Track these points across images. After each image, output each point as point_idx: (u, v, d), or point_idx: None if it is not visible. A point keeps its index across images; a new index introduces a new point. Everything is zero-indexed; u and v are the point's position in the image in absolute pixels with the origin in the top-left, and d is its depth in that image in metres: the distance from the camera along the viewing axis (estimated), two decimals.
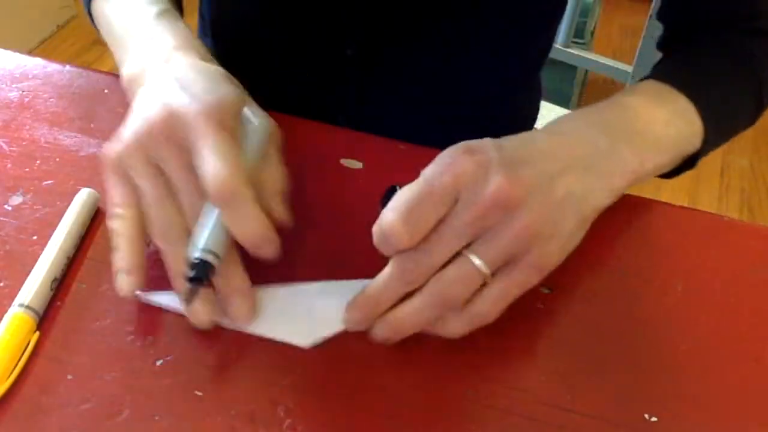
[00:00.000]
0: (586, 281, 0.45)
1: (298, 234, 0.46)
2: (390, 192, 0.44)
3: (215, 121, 0.39)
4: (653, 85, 0.51)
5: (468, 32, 0.59)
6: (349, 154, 0.52)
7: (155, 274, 0.43)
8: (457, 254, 0.38)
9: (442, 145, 0.49)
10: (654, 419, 0.38)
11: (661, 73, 0.52)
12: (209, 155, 0.37)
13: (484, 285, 0.38)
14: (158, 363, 0.39)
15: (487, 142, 0.40)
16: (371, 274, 0.44)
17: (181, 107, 0.39)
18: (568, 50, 1.79)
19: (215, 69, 0.44)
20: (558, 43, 1.79)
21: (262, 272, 0.44)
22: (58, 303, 0.42)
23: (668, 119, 0.48)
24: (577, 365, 0.40)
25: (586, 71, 1.97)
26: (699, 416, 0.38)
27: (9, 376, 0.38)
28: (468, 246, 0.38)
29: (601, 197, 0.43)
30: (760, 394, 0.40)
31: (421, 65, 0.60)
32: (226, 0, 0.65)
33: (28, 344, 0.39)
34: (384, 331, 0.40)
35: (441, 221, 0.38)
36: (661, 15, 0.61)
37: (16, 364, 0.38)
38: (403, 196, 0.38)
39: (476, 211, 0.37)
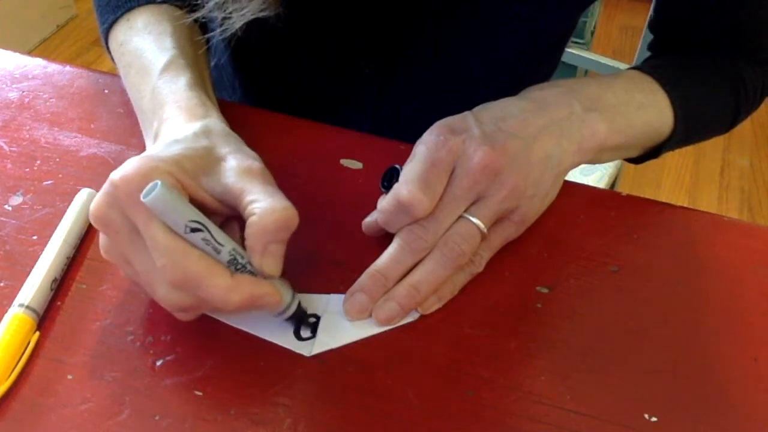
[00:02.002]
0: (586, 281, 0.45)
1: (297, 234, 0.46)
2: (390, 172, 0.46)
3: (136, 194, 0.36)
4: (636, 73, 0.54)
5: (484, 50, 0.59)
6: (349, 154, 0.52)
7: None
8: (457, 219, 0.43)
9: None
10: (654, 419, 0.38)
11: (647, 65, 0.55)
12: (150, 248, 0.36)
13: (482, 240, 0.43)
14: (158, 363, 0.39)
15: (468, 120, 0.45)
16: None
17: (111, 187, 0.37)
18: (568, 50, 1.79)
19: (184, 137, 0.41)
20: None
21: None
22: (58, 303, 0.42)
23: (642, 104, 0.51)
24: (576, 365, 0.40)
25: (586, 71, 1.97)
26: (699, 416, 0.38)
27: (9, 376, 0.38)
28: (465, 211, 0.43)
29: (572, 158, 0.47)
30: (760, 394, 0.40)
31: (436, 81, 0.61)
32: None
33: (28, 344, 0.39)
34: (399, 300, 0.42)
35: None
36: (653, 28, 0.62)
37: (16, 364, 0.38)
38: (411, 171, 0.43)
39: (470, 179, 0.42)
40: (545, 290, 0.44)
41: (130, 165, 0.37)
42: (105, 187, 0.37)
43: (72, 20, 2.27)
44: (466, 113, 0.46)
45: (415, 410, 0.38)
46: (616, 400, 0.39)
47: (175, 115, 0.44)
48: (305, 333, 0.41)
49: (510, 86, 0.53)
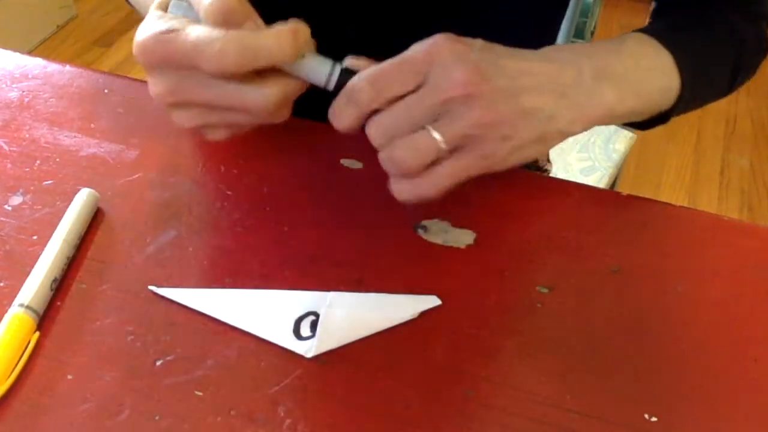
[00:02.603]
0: (585, 281, 0.45)
1: (298, 234, 0.46)
2: (338, 72, 0.43)
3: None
4: (643, 37, 0.53)
5: (469, 19, 0.59)
6: (349, 154, 0.52)
7: (165, 272, 0.44)
8: (419, 128, 0.40)
9: None
10: (654, 419, 0.38)
11: (650, 29, 0.54)
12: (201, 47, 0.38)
13: (436, 162, 0.41)
14: (158, 363, 0.39)
15: (478, 40, 0.43)
16: (371, 273, 0.44)
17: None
18: None
19: None
20: (558, 43, 1.79)
21: (261, 272, 0.44)
22: (58, 303, 0.42)
23: (651, 69, 0.50)
24: (577, 365, 0.40)
25: None
26: (699, 416, 0.38)
27: (9, 376, 0.38)
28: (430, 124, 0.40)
29: (570, 124, 0.45)
30: (760, 394, 0.40)
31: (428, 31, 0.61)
32: None
33: (28, 344, 0.39)
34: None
35: (404, 97, 0.40)
36: None
37: (16, 364, 0.38)
38: (376, 65, 0.41)
39: (441, 94, 0.40)
40: (545, 290, 0.44)
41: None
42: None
43: (72, 20, 2.27)
44: (478, 39, 0.44)
45: (415, 410, 0.38)
46: (616, 400, 0.39)
47: None
48: (305, 331, 0.41)
49: None
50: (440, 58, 0.40)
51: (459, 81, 0.40)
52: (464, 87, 0.40)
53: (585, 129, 0.46)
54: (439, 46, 0.41)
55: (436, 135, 0.40)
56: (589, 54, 0.47)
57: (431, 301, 0.43)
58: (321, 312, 0.42)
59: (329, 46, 0.61)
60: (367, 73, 0.41)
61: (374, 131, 0.41)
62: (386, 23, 0.59)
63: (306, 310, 0.42)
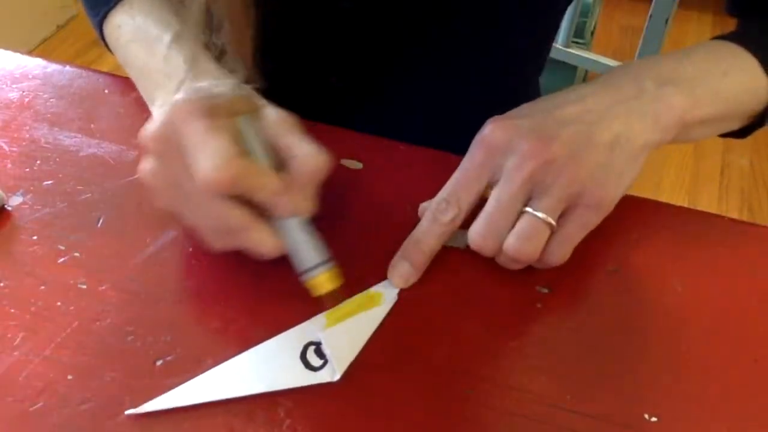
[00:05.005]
0: (586, 281, 0.45)
1: None
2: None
3: (195, 113, 0.39)
4: (716, 42, 0.50)
5: (459, 52, 0.59)
6: (349, 154, 0.52)
7: (165, 272, 0.44)
8: (520, 214, 0.42)
9: (441, 149, 0.49)
10: (654, 419, 0.38)
11: (728, 35, 0.51)
12: (195, 155, 0.38)
13: (552, 232, 0.42)
14: (158, 363, 0.39)
15: (521, 111, 0.44)
16: (371, 273, 0.44)
17: (171, 108, 0.40)
18: (568, 50, 1.79)
19: (224, 83, 0.44)
20: (558, 43, 1.79)
21: (261, 272, 0.44)
22: (59, 303, 0.42)
23: (728, 71, 0.48)
24: (577, 365, 0.40)
25: (586, 71, 1.97)
26: (699, 416, 0.38)
27: None
28: (527, 204, 0.42)
29: (648, 135, 0.44)
30: (760, 394, 0.40)
31: (414, 82, 0.61)
32: None
33: None
34: None
35: (492, 192, 0.42)
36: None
37: None
38: (447, 184, 0.43)
39: (520, 175, 0.41)
40: (545, 290, 0.44)
41: (191, 92, 0.40)
42: (166, 109, 0.39)
43: (72, 20, 2.27)
44: (524, 105, 0.45)
45: (415, 410, 0.38)
46: (616, 400, 0.39)
47: (201, 72, 0.44)
48: (315, 362, 0.40)
49: (496, 77, 0.51)
50: (497, 145, 0.42)
51: (529, 154, 0.41)
52: (537, 156, 0.41)
53: (665, 137, 0.45)
54: (489, 136, 0.43)
55: (540, 214, 0.41)
56: (650, 66, 0.47)
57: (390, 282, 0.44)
58: (319, 337, 0.40)
59: (315, 94, 0.60)
60: (445, 192, 0.43)
61: (480, 241, 0.42)
62: (368, 72, 0.59)
63: (303, 344, 0.40)
